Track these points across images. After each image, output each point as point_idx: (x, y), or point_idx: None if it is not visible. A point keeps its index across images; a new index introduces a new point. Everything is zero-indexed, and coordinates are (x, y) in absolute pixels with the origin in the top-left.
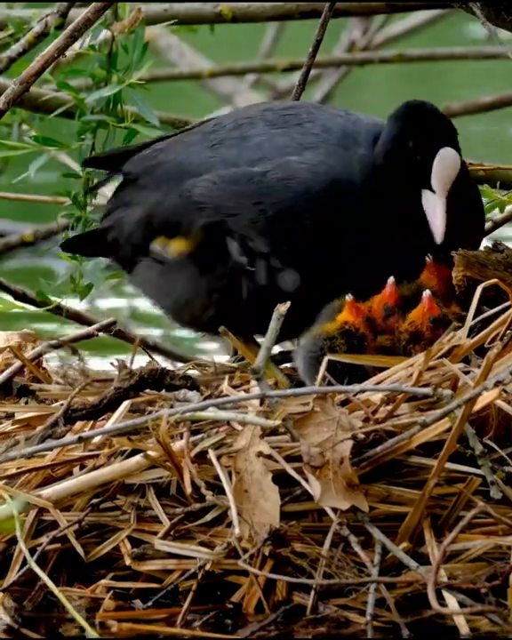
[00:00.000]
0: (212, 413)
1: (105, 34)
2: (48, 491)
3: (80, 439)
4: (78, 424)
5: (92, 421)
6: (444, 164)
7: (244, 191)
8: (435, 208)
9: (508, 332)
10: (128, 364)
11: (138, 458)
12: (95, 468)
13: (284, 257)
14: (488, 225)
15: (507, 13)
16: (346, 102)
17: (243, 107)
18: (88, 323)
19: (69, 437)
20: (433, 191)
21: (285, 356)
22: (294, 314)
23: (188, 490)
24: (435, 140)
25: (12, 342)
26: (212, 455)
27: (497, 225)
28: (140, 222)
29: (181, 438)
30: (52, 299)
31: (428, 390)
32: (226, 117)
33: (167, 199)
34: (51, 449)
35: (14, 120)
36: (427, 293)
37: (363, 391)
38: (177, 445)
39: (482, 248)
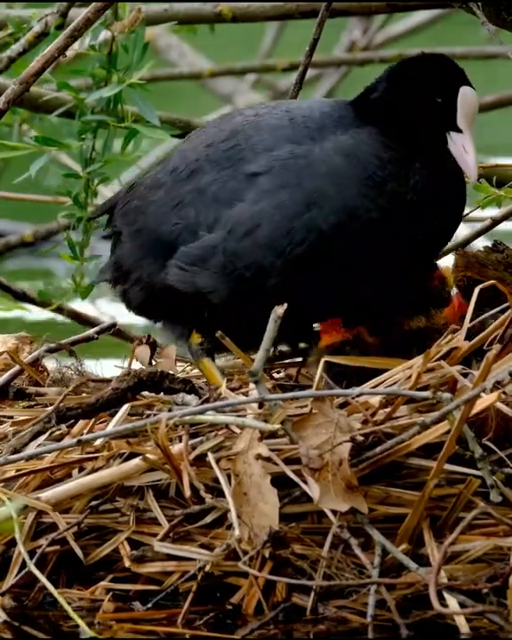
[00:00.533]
0: (210, 417)
1: (105, 34)
2: (47, 493)
3: (79, 442)
4: (77, 427)
5: (90, 424)
6: (467, 100)
7: (214, 265)
8: (465, 146)
9: (508, 333)
10: (127, 365)
11: (137, 461)
12: (94, 470)
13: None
14: (487, 223)
15: (507, 13)
16: None
17: (194, 131)
18: (88, 323)
19: (68, 440)
20: (459, 131)
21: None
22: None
23: (187, 493)
24: (453, 79)
25: (8, 345)
26: (210, 458)
27: (496, 222)
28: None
29: (180, 441)
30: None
31: (427, 394)
32: (180, 156)
33: (150, 276)
34: (49, 452)
35: (15, 120)
36: (455, 291)
37: (362, 394)
38: (176, 448)
39: (482, 248)
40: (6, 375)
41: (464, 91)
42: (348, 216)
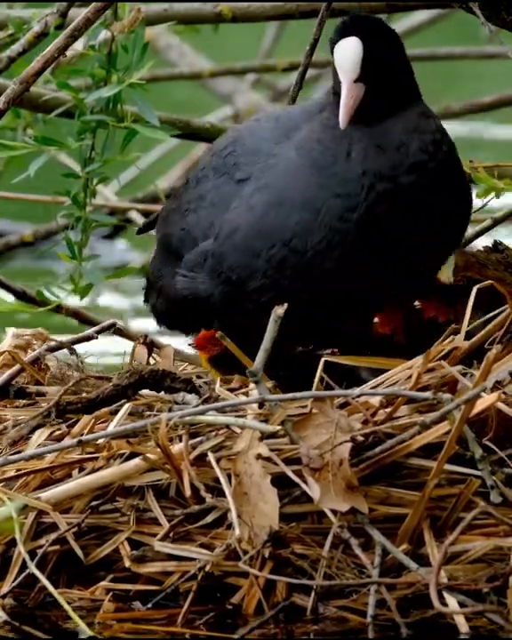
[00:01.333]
0: (211, 417)
1: (105, 34)
2: (47, 493)
3: (80, 442)
4: (78, 426)
5: (91, 424)
6: (341, 52)
7: (207, 269)
8: (342, 96)
9: (508, 333)
10: (128, 362)
11: (137, 460)
12: (94, 470)
13: (273, 298)
14: (487, 223)
15: (507, 13)
16: None
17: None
18: (88, 321)
19: (69, 441)
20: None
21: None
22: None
23: (188, 492)
24: (335, 35)
25: (21, 340)
26: (211, 458)
27: (496, 222)
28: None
29: (180, 441)
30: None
31: (427, 394)
32: (196, 168)
33: (167, 285)
34: (50, 452)
35: (19, 124)
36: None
37: (362, 394)
38: (176, 448)
39: (481, 248)
40: (6, 374)
41: (338, 45)
42: (309, 211)
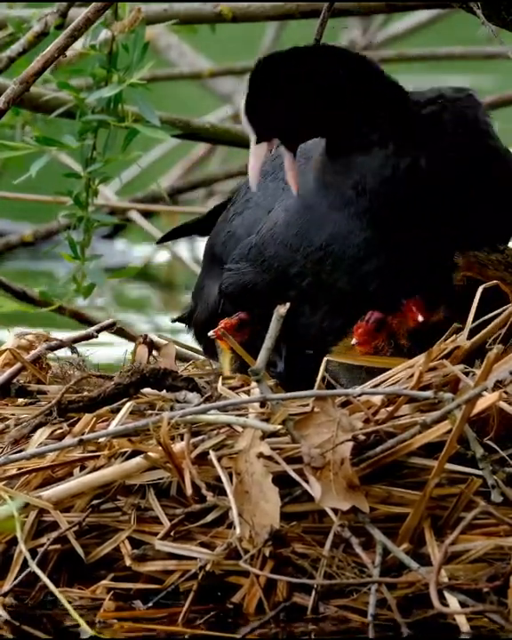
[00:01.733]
0: (213, 416)
1: (105, 33)
2: (48, 492)
3: (81, 441)
4: (78, 425)
5: (92, 422)
6: (242, 113)
7: (251, 259)
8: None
9: (509, 333)
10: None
11: (138, 459)
12: (95, 468)
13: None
14: None
15: (507, 13)
16: None
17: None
18: (88, 322)
19: (70, 440)
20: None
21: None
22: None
23: (189, 491)
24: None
25: (22, 341)
26: (212, 457)
27: None
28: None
29: (182, 439)
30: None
31: (428, 394)
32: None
33: (209, 289)
34: (51, 451)
35: (17, 121)
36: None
37: (363, 394)
38: (177, 447)
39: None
40: (7, 373)
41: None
42: (341, 217)
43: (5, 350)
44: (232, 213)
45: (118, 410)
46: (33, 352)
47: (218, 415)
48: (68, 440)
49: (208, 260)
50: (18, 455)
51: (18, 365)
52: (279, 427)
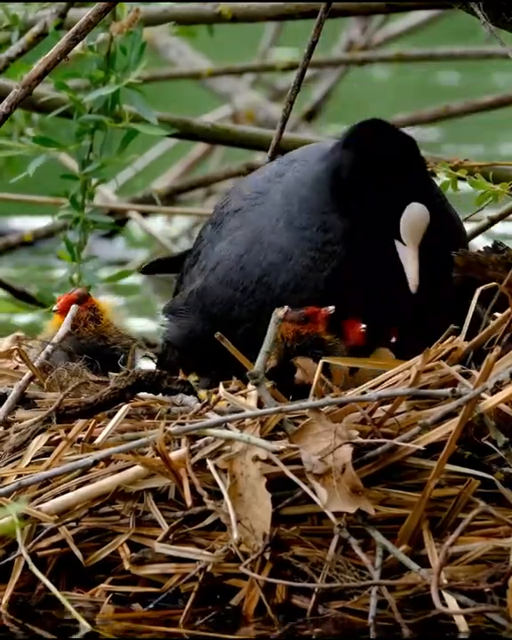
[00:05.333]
0: (217, 431)
1: (103, 34)
2: (48, 504)
3: (95, 462)
4: (73, 431)
5: (90, 427)
6: (413, 219)
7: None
8: (407, 260)
9: (507, 334)
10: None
11: (136, 468)
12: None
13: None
14: (484, 222)
15: (507, 14)
16: (348, 100)
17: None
18: None
19: (85, 460)
20: (404, 243)
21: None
22: None
23: (189, 499)
24: (401, 191)
25: (2, 347)
26: (210, 464)
27: (493, 221)
28: None
29: (179, 445)
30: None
31: (446, 391)
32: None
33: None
34: (66, 472)
35: (13, 129)
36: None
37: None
38: (175, 454)
39: (481, 248)
40: (21, 382)
41: (411, 209)
42: (281, 254)
43: (13, 350)
44: (186, 267)
45: (114, 413)
46: (39, 357)
47: (221, 429)
48: (82, 460)
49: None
50: (38, 476)
51: (28, 374)
52: (282, 447)
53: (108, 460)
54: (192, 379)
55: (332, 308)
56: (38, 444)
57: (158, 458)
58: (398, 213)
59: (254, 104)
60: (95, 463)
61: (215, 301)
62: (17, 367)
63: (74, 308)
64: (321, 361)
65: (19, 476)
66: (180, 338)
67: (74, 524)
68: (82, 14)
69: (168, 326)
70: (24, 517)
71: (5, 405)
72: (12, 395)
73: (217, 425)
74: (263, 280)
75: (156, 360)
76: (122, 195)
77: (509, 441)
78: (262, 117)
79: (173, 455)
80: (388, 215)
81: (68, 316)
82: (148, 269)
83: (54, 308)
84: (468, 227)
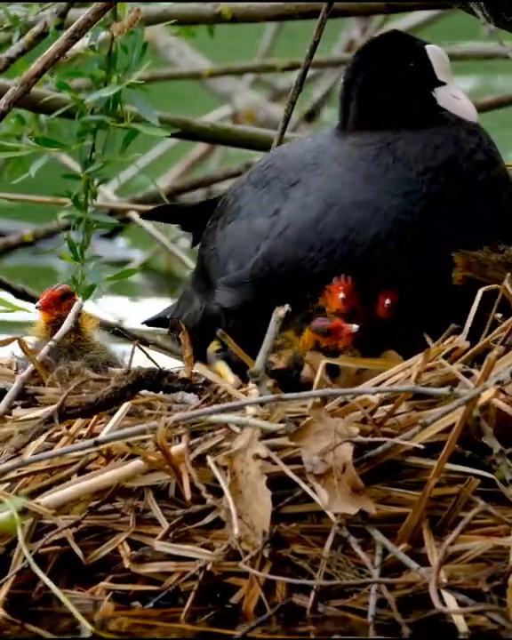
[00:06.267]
0: (214, 417)
1: (104, 34)
2: (47, 498)
3: (96, 443)
4: (74, 428)
5: (89, 425)
6: (438, 54)
7: (255, 273)
8: (454, 94)
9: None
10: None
11: (136, 462)
12: (93, 469)
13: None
14: None
15: (507, 14)
16: None
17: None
18: None
19: (86, 442)
20: (442, 84)
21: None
22: None
23: (188, 494)
24: (414, 41)
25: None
26: (210, 461)
27: None
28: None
29: (179, 441)
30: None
31: (444, 390)
32: (232, 188)
33: (199, 300)
34: (68, 453)
35: (24, 131)
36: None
37: (378, 393)
38: (175, 449)
39: (482, 248)
40: (20, 378)
41: (430, 48)
42: (367, 210)
43: (14, 338)
44: (222, 223)
45: (115, 411)
46: (42, 352)
47: (219, 416)
48: (83, 442)
49: (198, 271)
50: (35, 457)
51: (30, 368)
52: (280, 425)
53: (109, 455)
54: (213, 348)
55: (356, 326)
56: (39, 440)
57: (159, 452)
58: (422, 63)
59: (254, 104)
60: (97, 445)
61: (283, 263)
62: (16, 371)
63: (77, 305)
64: (323, 361)
65: (18, 471)
66: (237, 302)
67: (74, 523)
68: (82, 14)
69: (223, 294)
70: (23, 512)
71: (6, 398)
72: (13, 388)
73: (216, 413)
74: (350, 238)
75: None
76: (122, 195)
77: (504, 450)
78: (262, 117)
79: (173, 450)
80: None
81: (72, 312)
82: (150, 215)
83: (37, 304)
84: None
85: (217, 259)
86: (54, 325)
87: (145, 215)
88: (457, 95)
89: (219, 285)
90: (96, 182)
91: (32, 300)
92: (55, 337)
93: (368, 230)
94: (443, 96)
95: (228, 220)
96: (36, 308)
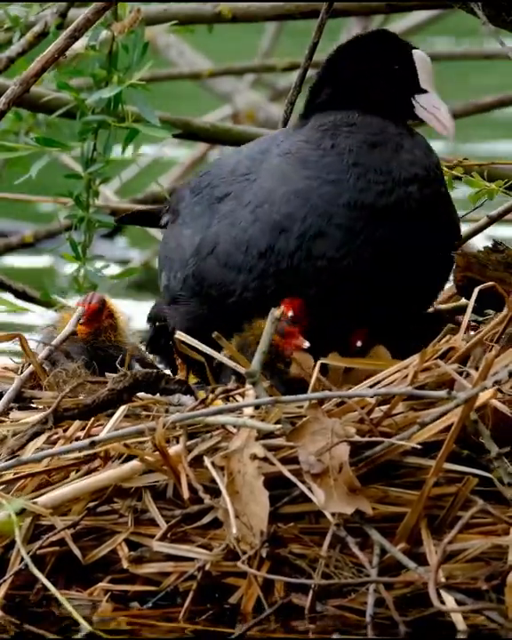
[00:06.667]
0: (211, 417)
1: (105, 34)
2: (44, 498)
3: (92, 443)
4: (71, 430)
5: (86, 427)
6: (425, 61)
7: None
8: (435, 104)
9: (506, 334)
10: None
11: (133, 463)
12: (90, 471)
13: None
14: (484, 221)
15: (507, 14)
16: None
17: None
18: None
19: (82, 441)
20: (425, 91)
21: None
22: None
23: (186, 494)
24: (403, 45)
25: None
26: (207, 461)
27: (492, 220)
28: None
29: (177, 442)
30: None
31: (442, 393)
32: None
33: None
34: (64, 453)
35: (21, 127)
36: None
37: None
38: (173, 450)
39: (482, 248)
40: (23, 375)
41: (418, 53)
42: (299, 199)
43: (16, 334)
44: (169, 222)
45: (113, 413)
46: (42, 353)
47: (216, 417)
48: (79, 442)
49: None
50: (27, 457)
51: (29, 369)
52: (276, 426)
53: (106, 457)
54: (192, 380)
55: (307, 344)
56: (36, 443)
57: (156, 453)
58: (407, 68)
59: (254, 104)
60: (93, 444)
61: (212, 284)
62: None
63: (79, 309)
64: (319, 361)
65: (16, 473)
66: (175, 313)
67: (72, 524)
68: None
69: (162, 299)
70: (21, 512)
71: (5, 398)
72: (11, 388)
73: (214, 414)
74: (275, 247)
75: (146, 343)
76: (121, 196)
77: (502, 452)
78: (262, 117)
79: (171, 451)
80: (398, 96)
81: (73, 317)
82: (123, 220)
83: (80, 319)
84: (465, 227)
85: (159, 260)
86: (95, 334)
87: (119, 220)
88: (438, 106)
89: (162, 288)
90: (97, 182)
91: (32, 300)
92: (54, 342)
93: (296, 225)
94: (423, 104)
95: (171, 220)
96: (80, 323)
